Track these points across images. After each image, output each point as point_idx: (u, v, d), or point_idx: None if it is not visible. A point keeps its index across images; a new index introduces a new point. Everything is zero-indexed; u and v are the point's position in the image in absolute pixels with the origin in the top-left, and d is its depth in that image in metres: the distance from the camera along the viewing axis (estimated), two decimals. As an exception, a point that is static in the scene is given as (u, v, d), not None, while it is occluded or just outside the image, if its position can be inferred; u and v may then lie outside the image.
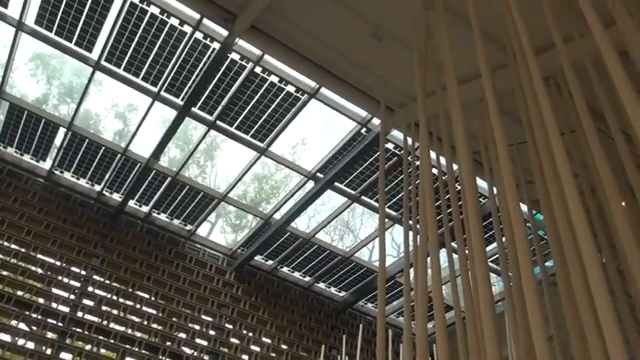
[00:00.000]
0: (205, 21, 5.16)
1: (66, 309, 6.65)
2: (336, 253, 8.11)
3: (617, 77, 1.31)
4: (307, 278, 8.60)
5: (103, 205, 7.48)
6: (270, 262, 8.36)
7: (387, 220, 7.16)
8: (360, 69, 4.21)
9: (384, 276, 2.52)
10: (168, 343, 7.12)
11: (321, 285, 8.73)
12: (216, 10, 4.14)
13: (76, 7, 5.19)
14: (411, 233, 2.74)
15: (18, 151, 6.96)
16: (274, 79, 5.73)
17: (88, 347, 6.75)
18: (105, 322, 6.80)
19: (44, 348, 6.44)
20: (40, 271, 6.69)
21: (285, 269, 8.50)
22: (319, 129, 8.42)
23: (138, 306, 7.15)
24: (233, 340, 7.76)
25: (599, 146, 1.53)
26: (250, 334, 7.96)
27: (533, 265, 2.28)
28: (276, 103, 5.98)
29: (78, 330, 6.58)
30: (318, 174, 6.80)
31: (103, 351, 6.64)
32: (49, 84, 9.39)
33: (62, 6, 5.20)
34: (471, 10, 2.22)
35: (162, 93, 5.95)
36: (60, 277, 6.80)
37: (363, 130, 6.14)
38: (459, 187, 2.77)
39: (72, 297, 6.75)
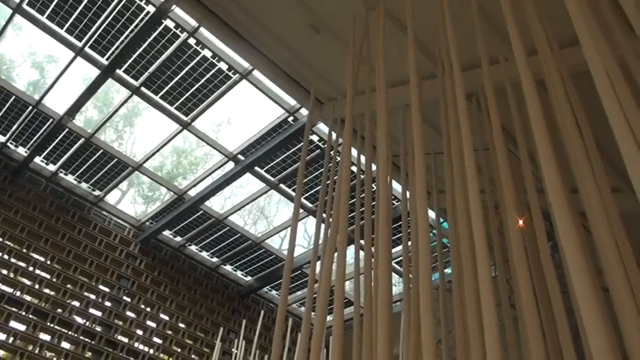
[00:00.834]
0: (142, -19, 4.95)
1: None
2: (247, 237, 8.07)
3: (530, 103, 1.39)
4: (215, 259, 8.50)
5: (6, 157, 7.00)
6: (178, 238, 8.19)
7: (301, 210, 7.21)
8: (295, 57, 4.20)
9: (290, 265, 2.54)
10: (59, 310, 6.79)
11: (228, 267, 8.67)
12: (155, -28, 3.97)
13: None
14: (323, 226, 2.78)
15: None
16: (207, 53, 5.60)
17: (-32, 306, 6.32)
18: (-9, 282, 6.40)
19: None
20: None
21: (193, 247, 8.36)
22: (246, 111, 8.32)
23: (31, 268, 6.76)
24: (129, 313, 7.55)
25: (506, 165, 1.62)
26: (148, 309, 7.76)
27: (432, 271, 2.38)
28: (205, 78, 5.84)
29: (-41, 287, 6.15)
30: (240, 156, 6.73)
31: (-15, 312, 6.25)
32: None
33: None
34: (408, 18, 2.27)
35: (87, 49, 5.65)
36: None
37: (290, 119, 6.14)
38: (375, 188, 2.84)
39: (-43, 251, 6.29)
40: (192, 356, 7.96)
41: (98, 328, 7.08)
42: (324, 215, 2.81)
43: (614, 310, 1.34)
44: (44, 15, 5.37)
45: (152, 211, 8.04)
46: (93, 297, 7.23)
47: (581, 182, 1.42)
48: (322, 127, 6.13)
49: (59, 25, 5.44)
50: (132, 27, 5.39)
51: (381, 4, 2.60)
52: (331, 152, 3.19)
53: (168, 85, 5.96)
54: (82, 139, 6.79)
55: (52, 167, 7.20)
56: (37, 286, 6.73)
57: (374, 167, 3.55)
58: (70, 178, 7.40)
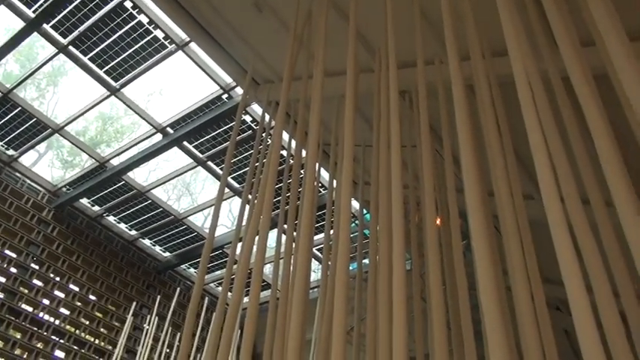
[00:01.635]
0: None
1: None
2: (169, 213, 7.90)
3: (458, 106, 1.45)
4: (133, 232, 8.26)
5: None
6: (96, 207, 7.88)
7: (227, 190, 7.14)
8: (235, 34, 4.11)
9: (211, 244, 2.51)
10: (-42, 274, 6.39)
11: (147, 242, 8.45)
12: None
13: None
14: (247, 208, 2.77)
15: None
16: (144, 19, 5.39)
17: None
18: None
19: None
20: None
21: (111, 218, 8.08)
22: (180, 84, 8.08)
23: None
24: (36, 281, 7.20)
25: (430, 163, 1.67)
26: (58, 278, 7.44)
27: (351, 260, 2.43)
28: (140, 45, 5.62)
29: None
30: (169, 129, 6.55)
31: None
32: None
33: None
34: (351, 10, 2.28)
35: (11, -2, 5.29)
36: None
37: (225, 96, 6.03)
38: (303, 174, 2.85)
39: None
40: (101, 329, 7.73)
41: (0, 295, 6.72)
42: (249, 197, 2.80)
43: (515, 308, 1.43)
44: (-34, -45, 4.97)
45: (70, 177, 7.69)
46: (-3, 262, 6.85)
47: (496, 186, 1.49)
48: (256, 109, 6.07)
49: (-18, -32, 5.06)
50: (64, -19, 5.10)
51: (326, -9, 2.59)
52: (262, 134, 3.17)
53: (99, 48, 5.69)
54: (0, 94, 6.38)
55: (-39, 120, 6.72)
56: None
57: (304, 153, 3.57)
58: (-18, 134, 6.95)
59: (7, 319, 6.64)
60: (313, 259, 7.37)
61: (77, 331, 7.50)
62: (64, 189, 7.70)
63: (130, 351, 7.72)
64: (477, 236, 1.18)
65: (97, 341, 7.68)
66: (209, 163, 6.92)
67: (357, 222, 5.40)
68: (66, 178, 7.87)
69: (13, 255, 7.06)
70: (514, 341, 1.53)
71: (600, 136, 1.11)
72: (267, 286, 7.86)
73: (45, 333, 7.04)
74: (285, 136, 4.04)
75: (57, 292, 7.40)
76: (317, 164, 3.84)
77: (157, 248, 8.58)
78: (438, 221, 2.74)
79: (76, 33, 5.56)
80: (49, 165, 10.44)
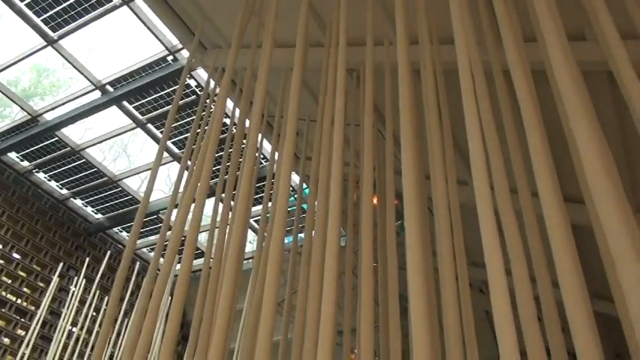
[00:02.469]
0: None
1: None
2: (104, 174, 7.65)
3: (402, 88, 1.47)
4: (64, 191, 7.96)
5: None
6: (25, 163, 7.52)
7: (167, 155, 6.98)
8: (184, -6, 3.98)
9: (145, 207, 2.46)
10: None
11: (78, 202, 8.17)
12: None
13: None
14: (185, 174, 2.72)
15: None
16: (88, -32, 5.12)
17: None
18: None
19: None
20: None
21: (41, 175, 7.74)
22: (123, 41, 7.75)
23: None
24: (-46, 236, 6.85)
25: (370, 142, 1.70)
26: (-21, 234, 7.10)
27: (286, 234, 2.45)
28: (82, -5, 5.35)
29: None
30: (109, 87, 6.30)
31: None
32: None
33: None
34: (305, -19, 2.25)
35: None
36: None
37: (170, 58, 5.85)
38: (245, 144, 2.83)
39: None
40: (24, 289, 7.46)
41: None
42: (188, 163, 2.75)
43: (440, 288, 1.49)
44: None
45: (-2, 129, 7.29)
46: None
47: (432, 169, 1.54)
48: (202, 74, 5.93)
49: None
50: None
51: (282, -40, 2.54)
52: (206, 101, 3.10)
53: (37, -6, 5.37)
54: None
55: None
56: None
57: (247, 124, 3.54)
58: None
59: None
60: (250, 230, 7.36)
61: (-2, 290, 7.21)
62: (-9, 141, 7.30)
63: (54, 312, 7.51)
64: (409, 217, 1.21)
65: (19, 301, 7.41)
66: (149, 125, 6.72)
67: (295, 196, 5.43)
68: (-6, 129, 7.45)
69: None
70: (437, 319, 1.59)
71: (533, 130, 1.16)
72: (200, 255, 7.80)
73: (-38, 290, 6.73)
74: (230, 104, 3.98)
75: (-23, 249, 7.07)
76: (260, 135, 3.81)
77: (89, 209, 8.32)
78: (375, 200, 2.79)
79: (12, -25, 5.22)
80: (-25, 114, 9.85)
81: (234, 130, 3.82)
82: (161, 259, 2.31)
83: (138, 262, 8.08)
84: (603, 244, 1.01)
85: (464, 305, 1.49)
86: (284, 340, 2.60)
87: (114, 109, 6.46)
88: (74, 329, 7.02)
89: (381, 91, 2.53)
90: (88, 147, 7.32)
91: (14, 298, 7.38)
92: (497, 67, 1.88)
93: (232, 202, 2.44)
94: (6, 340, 7.20)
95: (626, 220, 0.91)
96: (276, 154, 3.15)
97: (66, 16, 5.55)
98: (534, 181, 1.14)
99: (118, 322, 6.98)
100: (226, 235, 2.28)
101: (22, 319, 7.35)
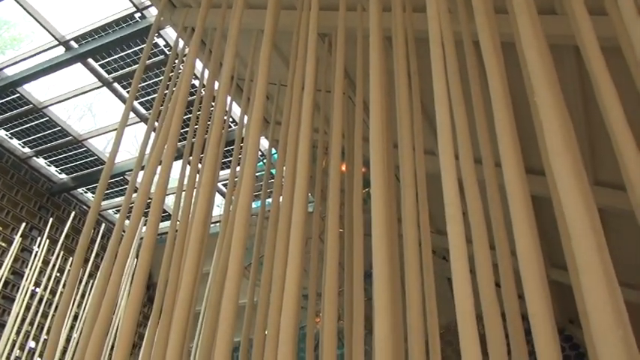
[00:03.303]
0: None
1: None
2: (68, 133, 7.46)
3: (373, 55, 1.47)
4: (26, 149, 7.75)
5: None
6: (-15, 119, 7.28)
7: (133, 115, 6.85)
8: (153, -51, 3.84)
9: (110, 168, 2.42)
10: None
11: (41, 161, 7.97)
12: None
13: None
14: (152, 136, 2.68)
15: None
16: None
17: None
18: None
19: None
20: None
21: (1, 132, 7.50)
22: (89, -5, 7.47)
23: None
24: None
25: (340, 109, 1.70)
26: (-64, 191, 6.88)
27: (254, 198, 2.45)
28: (45, -56, 5.10)
29: None
30: (73, 43, 6.09)
31: None
32: None
33: None
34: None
35: None
36: None
37: (137, 15, 5.68)
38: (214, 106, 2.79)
39: None
40: (-16, 249, 7.31)
41: None
42: (155, 124, 2.70)
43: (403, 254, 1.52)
44: None
45: (-45, 84, 6.99)
46: None
47: (400, 137, 1.55)
48: (170, 33, 5.78)
49: None
50: None
51: None
52: (175, 61, 3.03)
53: (-4, -59, 5.10)
54: None
55: None
56: None
57: (217, 86, 3.49)
58: None
59: None
60: (218, 194, 7.33)
61: (-43, 249, 7.05)
62: (-52, 95, 7.01)
63: (17, 273, 7.40)
64: (375, 185, 1.23)
65: (-21, 260, 7.27)
66: (115, 84, 6.55)
67: (264, 161, 5.41)
68: (-50, 83, 7.14)
69: None
70: (400, 284, 1.63)
71: (498, 100, 1.18)
72: (167, 217, 7.75)
73: None
74: (199, 65, 3.90)
75: None
76: (229, 98, 3.76)
77: (53, 169, 8.13)
78: (344, 167, 2.81)
79: None
80: None
81: (203, 92, 3.76)
82: (127, 222, 2.29)
83: (103, 224, 7.98)
84: (561, 215, 1.04)
85: (426, 271, 1.53)
86: (250, 302, 2.63)
87: (78, 66, 6.26)
88: (37, 290, 6.95)
89: (352, 58, 2.51)
90: (51, 105, 7.11)
91: (-26, 258, 7.24)
92: (468, 38, 1.88)
93: (200, 166, 2.42)
94: (-34, 300, 7.09)
95: (583, 192, 0.94)
96: (245, 117, 3.13)
97: (27, -33, 5.30)
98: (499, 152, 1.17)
99: (83, 283, 6.93)
100: (193, 199, 2.27)
101: (-17, 279, 7.23)
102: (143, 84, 6.46)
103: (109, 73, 6.38)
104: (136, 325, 1.74)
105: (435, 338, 1.50)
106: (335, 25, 2.32)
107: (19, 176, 7.84)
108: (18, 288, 6.92)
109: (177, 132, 2.06)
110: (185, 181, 2.56)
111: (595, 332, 0.80)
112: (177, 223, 2.29)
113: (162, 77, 6.25)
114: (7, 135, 7.53)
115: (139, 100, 6.75)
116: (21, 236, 7.22)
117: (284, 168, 1.95)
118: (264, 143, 5.56)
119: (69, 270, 7.06)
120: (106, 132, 7.74)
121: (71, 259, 7.05)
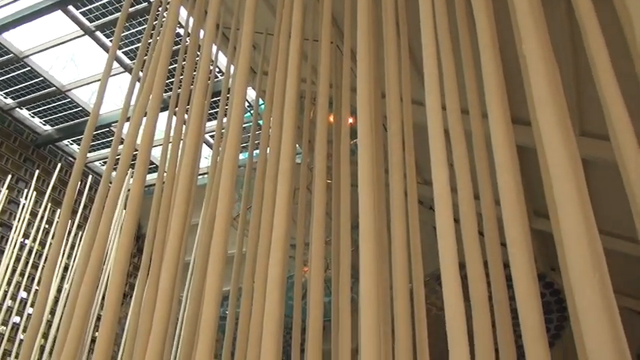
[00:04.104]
0: None
1: None
2: (51, 83, 7.31)
3: (361, 1, 1.44)
4: (9, 100, 7.60)
5: None
6: (-36, 70, 7.10)
7: (118, 65, 6.71)
8: None
9: (95, 119, 2.39)
10: None
11: (25, 112, 7.84)
12: None
13: None
14: (137, 86, 2.63)
15: None
16: None
17: None
18: None
19: None
20: None
21: (-18, 83, 7.34)
22: (67, -62, 7.16)
23: None
24: None
25: (328, 58, 1.68)
26: None
27: (241, 149, 2.44)
28: None
29: None
30: (52, -11, 5.89)
31: None
32: None
33: None
34: None
35: None
36: None
37: (119, -39, 5.48)
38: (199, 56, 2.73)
39: None
40: (-29, 201, 7.27)
41: None
42: (140, 74, 2.65)
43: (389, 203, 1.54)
44: None
45: None
46: None
47: (388, 87, 1.54)
48: (154, -21, 5.59)
49: None
50: None
51: None
52: (159, 8, 2.95)
53: None
54: None
55: None
56: None
57: (202, 35, 3.41)
58: None
59: None
60: (205, 146, 7.29)
61: (-57, 202, 7.01)
62: None
63: (5, 224, 7.40)
64: (362, 133, 1.23)
65: (-34, 213, 7.25)
66: (97, 33, 6.38)
67: (252, 111, 5.36)
68: None
69: None
70: (386, 234, 1.66)
71: (485, 48, 1.17)
72: (154, 169, 7.72)
73: None
74: (183, 12, 3.80)
75: None
76: (215, 47, 3.69)
77: (37, 120, 8.00)
78: (331, 118, 2.80)
79: None
80: None
81: (188, 42, 3.67)
82: (113, 173, 2.28)
83: (90, 176, 7.95)
84: (544, 164, 1.06)
85: (411, 220, 1.55)
86: (238, 253, 2.66)
87: (59, 13, 6.08)
88: (26, 241, 6.97)
89: (340, 6, 2.46)
90: (32, 54, 6.93)
91: (-39, 210, 7.21)
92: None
93: (186, 117, 2.40)
94: (-45, 252, 7.10)
95: (567, 140, 0.95)
96: (232, 67, 3.08)
97: None
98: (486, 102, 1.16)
99: (72, 234, 6.96)
100: (180, 150, 2.26)
101: (-29, 231, 7.23)
102: (126, 32, 6.30)
103: (90, 21, 6.21)
104: (126, 275, 1.76)
105: (419, 287, 1.54)
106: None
107: (3, 127, 7.72)
108: (7, 240, 6.94)
109: (162, 83, 2.03)
110: (172, 133, 2.54)
111: (572, 275, 0.83)
112: (165, 174, 2.29)
113: (145, 25, 6.09)
114: (-12, 86, 7.38)
115: (122, 50, 6.59)
116: (7, 188, 7.18)
117: (271, 119, 1.94)
118: (252, 94, 5.50)
119: (57, 222, 7.07)
120: (90, 82, 7.59)
121: (59, 210, 7.05)
